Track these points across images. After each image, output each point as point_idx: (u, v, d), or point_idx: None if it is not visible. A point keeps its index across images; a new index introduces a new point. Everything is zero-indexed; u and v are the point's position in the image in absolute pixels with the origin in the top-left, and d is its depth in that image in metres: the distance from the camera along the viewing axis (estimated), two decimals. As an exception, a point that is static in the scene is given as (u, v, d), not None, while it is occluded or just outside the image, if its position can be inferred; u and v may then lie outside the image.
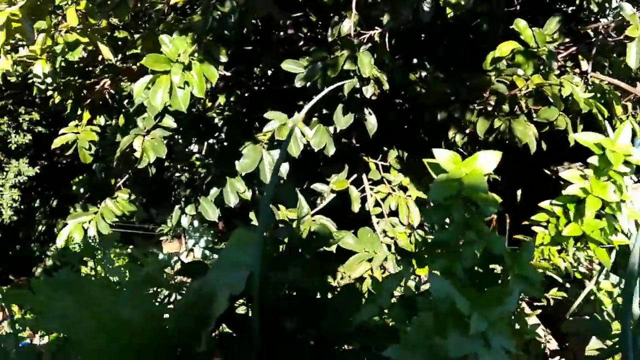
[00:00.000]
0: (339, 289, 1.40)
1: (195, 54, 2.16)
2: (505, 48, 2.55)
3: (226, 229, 7.10)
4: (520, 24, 2.59)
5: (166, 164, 3.68)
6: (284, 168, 2.88)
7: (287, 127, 2.67)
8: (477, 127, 2.41)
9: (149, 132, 2.47)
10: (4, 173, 4.66)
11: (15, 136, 4.65)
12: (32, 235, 8.50)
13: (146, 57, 2.07)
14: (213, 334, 1.26)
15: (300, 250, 1.43)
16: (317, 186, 3.15)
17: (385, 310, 1.13)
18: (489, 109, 2.47)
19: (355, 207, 3.05)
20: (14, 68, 2.37)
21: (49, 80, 2.31)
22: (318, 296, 1.37)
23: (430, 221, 0.97)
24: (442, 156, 0.96)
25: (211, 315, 1.16)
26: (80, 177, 3.67)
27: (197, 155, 3.65)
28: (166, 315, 1.25)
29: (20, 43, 2.56)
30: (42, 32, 2.11)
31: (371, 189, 3.15)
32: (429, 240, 1.04)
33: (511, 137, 2.35)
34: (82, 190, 3.62)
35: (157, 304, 1.22)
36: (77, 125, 3.36)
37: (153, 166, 2.44)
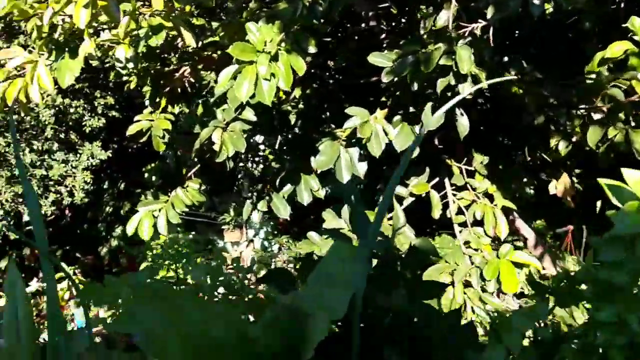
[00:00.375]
0: (443, 316, 1.23)
1: (283, 44, 2.03)
2: (617, 48, 2.28)
3: (287, 223, 7.03)
4: (636, 23, 2.32)
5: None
6: (362, 168, 2.72)
7: (369, 125, 2.50)
8: (587, 136, 2.16)
9: (229, 124, 2.36)
10: (78, 155, 4.72)
11: (90, 119, 4.70)
12: (99, 216, 8.71)
13: (233, 45, 1.95)
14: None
15: (399, 269, 1.27)
16: (396, 189, 2.97)
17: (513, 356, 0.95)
18: (599, 116, 2.22)
19: (436, 213, 2.85)
20: (95, 51, 2.31)
21: (130, 65, 2.24)
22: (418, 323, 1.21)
23: (605, 257, 0.78)
24: (634, 178, 0.76)
25: (308, 340, 1.01)
26: (152, 165, 3.64)
27: (262, 148, 3.55)
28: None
29: (101, 27, 2.51)
30: (126, 15, 2.03)
31: (454, 195, 2.94)
32: (591, 277, 0.85)
33: (627, 149, 2.09)
34: (153, 178, 3.58)
35: (246, 320, 1.08)
36: (151, 113, 3.32)
37: (231, 160, 2.34)
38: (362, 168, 2.72)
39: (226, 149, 2.28)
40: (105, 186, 7.40)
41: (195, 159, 2.78)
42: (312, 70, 3.71)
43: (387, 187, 0.99)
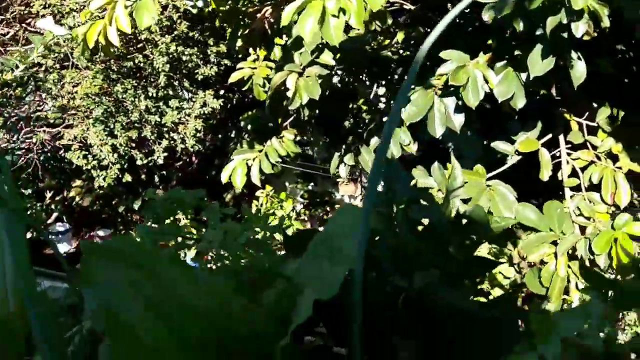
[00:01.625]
0: (489, 304, 0.98)
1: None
2: None
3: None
4: None
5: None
6: (458, 120, 2.42)
7: (466, 70, 2.19)
8: None
9: (305, 69, 2.18)
10: (191, 103, 4.82)
11: (203, 67, 4.75)
12: (223, 163, 9.08)
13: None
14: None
15: (441, 243, 1.03)
16: (499, 145, 2.62)
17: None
18: None
19: (545, 174, 2.48)
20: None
21: (199, 4, 2.13)
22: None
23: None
24: None
25: (290, 321, 0.83)
26: (249, 113, 3.58)
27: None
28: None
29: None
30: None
31: (568, 154, 2.54)
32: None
33: None
34: (249, 126, 3.53)
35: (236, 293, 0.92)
36: (254, 60, 3.24)
37: (307, 108, 2.17)
38: (458, 120, 2.42)
39: (299, 96, 2.11)
40: (221, 135, 7.63)
41: (283, 110, 2.64)
42: (424, 12, 3.38)
43: (391, 110, 0.76)
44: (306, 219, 7.75)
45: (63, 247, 6.46)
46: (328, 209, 8.06)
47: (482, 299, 1.02)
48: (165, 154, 4.71)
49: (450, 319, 0.88)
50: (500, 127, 2.98)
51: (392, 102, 2.77)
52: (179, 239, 1.15)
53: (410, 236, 1.02)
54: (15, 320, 1.01)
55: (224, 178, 3.46)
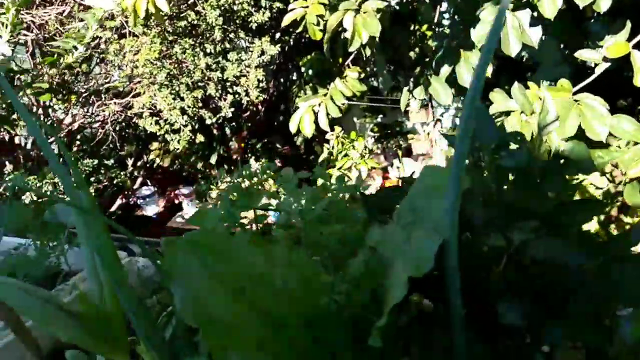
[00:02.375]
0: (598, 250, 0.87)
1: None
2: None
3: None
4: None
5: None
6: (535, 34, 2.21)
7: (538, -22, 1.97)
8: None
9: (361, 4, 2.04)
10: (249, 53, 4.75)
11: (255, 15, 4.63)
12: (289, 107, 9.04)
13: None
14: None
15: (537, 187, 0.92)
16: (584, 53, 2.39)
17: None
18: None
19: (639, 80, 2.24)
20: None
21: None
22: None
23: None
24: None
25: (384, 302, 0.78)
26: (309, 57, 3.47)
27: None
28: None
29: None
30: None
31: (665, 54, 2.27)
32: None
33: None
34: (310, 71, 3.43)
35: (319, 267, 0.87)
36: (305, -1, 3.11)
37: (368, 47, 2.04)
38: (534, 35, 2.22)
39: (359, 35, 1.99)
40: (282, 79, 7.57)
41: (343, 52, 2.52)
42: None
43: (482, 56, 0.65)
44: (379, 152, 7.64)
45: (152, 209, 6.75)
46: (401, 140, 7.88)
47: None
48: (232, 109, 4.71)
49: (557, 275, 0.79)
50: (582, 32, 2.71)
51: (457, 21, 2.57)
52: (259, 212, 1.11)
53: (502, 186, 0.92)
54: (110, 310, 1.01)
55: (292, 128, 3.41)
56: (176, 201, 7.48)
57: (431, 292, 0.84)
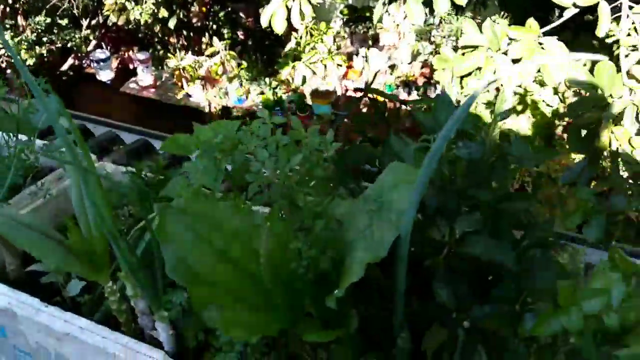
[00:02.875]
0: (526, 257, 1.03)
1: None
2: None
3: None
4: None
5: None
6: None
7: None
8: None
9: None
10: None
11: None
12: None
13: None
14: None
15: (483, 178, 1.06)
16: (556, -2, 2.44)
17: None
18: None
19: (601, 30, 2.34)
20: None
21: None
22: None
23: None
24: None
25: (342, 279, 0.93)
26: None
27: None
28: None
29: None
30: None
31: (630, 8, 2.36)
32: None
33: None
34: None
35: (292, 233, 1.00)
36: None
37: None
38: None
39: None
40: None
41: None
42: None
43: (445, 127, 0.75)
44: (346, 36, 7.52)
45: (106, 75, 6.58)
46: (369, 27, 7.72)
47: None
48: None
49: (487, 266, 0.96)
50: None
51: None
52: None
53: (456, 174, 1.05)
54: (97, 242, 1.13)
55: (263, 22, 3.37)
56: (131, 66, 7.27)
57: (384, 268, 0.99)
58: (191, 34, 7.51)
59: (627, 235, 2.00)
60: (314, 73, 4.60)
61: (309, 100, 4.95)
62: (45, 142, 1.73)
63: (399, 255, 0.90)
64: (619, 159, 2.25)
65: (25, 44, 3.84)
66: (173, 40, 7.31)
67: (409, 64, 7.54)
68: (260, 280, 0.96)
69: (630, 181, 2.17)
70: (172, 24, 6.85)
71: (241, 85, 5.17)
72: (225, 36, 7.92)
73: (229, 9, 8.56)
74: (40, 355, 1.32)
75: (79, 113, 3.29)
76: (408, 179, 0.92)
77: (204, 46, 7.98)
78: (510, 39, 2.38)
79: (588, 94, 2.31)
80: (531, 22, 2.40)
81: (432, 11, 2.62)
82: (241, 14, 9.41)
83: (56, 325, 1.23)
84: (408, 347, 0.96)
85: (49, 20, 4.38)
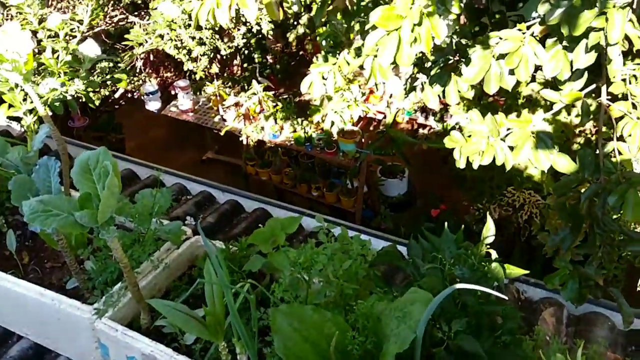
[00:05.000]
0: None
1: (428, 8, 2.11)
2: None
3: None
4: None
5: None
6: (511, 81, 2.80)
7: (518, 54, 2.55)
8: None
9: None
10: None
11: None
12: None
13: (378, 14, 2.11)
14: None
15: (472, 296, 1.65)
16: (548, 93, 3.00)
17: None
18: None
19: (584, 122, 2.90)
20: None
21: None
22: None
23: None
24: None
25: (380, 356, 1.53)
26: (323, 29, 3.94)
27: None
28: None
29: None
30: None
31: (608, 106, 2.92)
32: None
33: None
34: (324, 42, 3.92)
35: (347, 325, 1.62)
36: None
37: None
38: (511, 81, 2.81)
39: (374, 76, 2.57)
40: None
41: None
42: None
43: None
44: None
45: (154, 105, 7.25)
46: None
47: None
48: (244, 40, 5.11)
49: (471, 355, 1.56)
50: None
51: (456, 42, 3.12)
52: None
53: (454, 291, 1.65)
54: (219, 314, 1.74)
55: (303, 89, 3.97)
56: (172, 92, 7.94)
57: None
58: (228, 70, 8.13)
59: (596, 296, 2.57)
60: (342, 118, 5.20)
61: (335, 138, 5.58)
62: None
63: (415, 347, 1.52)
64: (595, 230, 2.82)
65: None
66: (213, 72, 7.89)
67: (422, 90, 8.05)
68: (327, 356, 1.58)
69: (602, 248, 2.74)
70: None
71: (276, 122, 5.79)
72: (256, 60, 8.57)
73: (260, 35, 9.19)
74: (169, 387, 1.95)
75: (150, 164, 3.93)
76: (422, 299, 1.53)
77: (235, 68, 8.64)
78: (508, 128, 2.96)
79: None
80: (525, 114, 2.97)
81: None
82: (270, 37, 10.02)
83: (183, 368, 1.86)
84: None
85: (111, 64, 5.02)
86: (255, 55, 8.50)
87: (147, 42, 2.92)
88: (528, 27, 2.65)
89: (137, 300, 2.03)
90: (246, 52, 8.14)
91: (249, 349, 1.74)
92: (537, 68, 2.95)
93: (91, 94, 3.09)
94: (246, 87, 7.53)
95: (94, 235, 2.34)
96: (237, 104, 5.83)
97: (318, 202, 6.02)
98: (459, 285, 1.45)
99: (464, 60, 2.94)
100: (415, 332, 1.49)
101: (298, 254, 1.70)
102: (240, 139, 6.10)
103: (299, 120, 5.63)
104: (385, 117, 6.86)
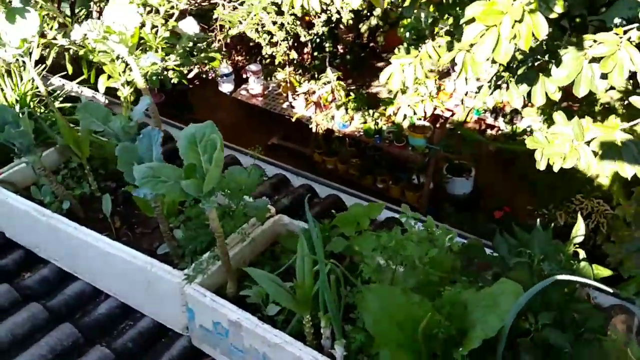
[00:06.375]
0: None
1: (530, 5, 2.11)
2: None
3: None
4: None
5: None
6: (602, 85, 2.76)
7: (614, 58, 2.50)
8: None
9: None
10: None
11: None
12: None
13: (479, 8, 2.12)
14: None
15: (559, 291, 1.67)
16: (636, 100, 2.94)
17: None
18: None
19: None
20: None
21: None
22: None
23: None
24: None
25: (466, 345, 1.57)
26: (407, 21, 3.95)
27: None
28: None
29: None
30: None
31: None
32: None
33: None
34: (407, 34, 3.93)
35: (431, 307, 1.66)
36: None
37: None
38: (601, 85, 2.76)
39: (465, 71, 2.58)
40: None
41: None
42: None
43: None
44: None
45: (227, 87, 7.45)
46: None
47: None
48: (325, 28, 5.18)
49: (558, 348, 1.59)
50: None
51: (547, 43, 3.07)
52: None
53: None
54: (308, 289, 1.81)
55: (382, 79, 4.00)
56: (244, 75, 8.12)
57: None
58: (296, 45, 8.25)
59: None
60: (415, 112, 5.21)
61: (405, 132, 5.59)
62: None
63: (501, 335, 1.55)
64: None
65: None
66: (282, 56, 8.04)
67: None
68: (413, 337, 1.63)
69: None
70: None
71: (346, 112, 5.85)
72: (327, 49, 8.64)
73: (332, 25, 9.24)
74: (251, 353, 2.04)
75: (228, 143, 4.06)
76: (511, 290, 1.56)
77: (305, 56, 8.74)
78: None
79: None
80: (612, 119, 2.92)
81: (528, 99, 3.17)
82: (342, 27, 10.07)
83: (268, 336, 1.95)
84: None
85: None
86: (327, 45, 8.58)
87: (241, 23, 3.03)
88: (625, 32, 2.60)
89: (226, 269, 2.13)
90: (317, 40, 8.22)
91: (335, 323, 1.81)
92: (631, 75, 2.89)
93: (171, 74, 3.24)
94: (316, 76, 7.64)
95: (185, 206, 2.48)
96: (308, 92, 5.92)
97: (382, 195, 6.06)
98: (560, 277, 1.47)
99: (553, 61, 2.90)
100: (503, 321, 1.52)
101: (389, 238, 1.76)
102: (310, 126, 6.19)
103: (371, 111, 5.67)
104: (453, 115, 6.81)
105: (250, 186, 2.24)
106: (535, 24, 2.13)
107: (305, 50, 8.49)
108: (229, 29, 3.78)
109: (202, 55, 2.83)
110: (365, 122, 5.71)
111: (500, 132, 7.76)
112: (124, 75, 2.72)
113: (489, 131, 7.83)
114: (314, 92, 5.96)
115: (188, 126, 1.89)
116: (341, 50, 9.25)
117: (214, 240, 2.30)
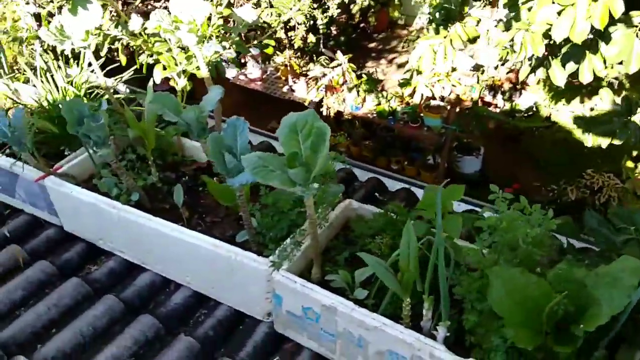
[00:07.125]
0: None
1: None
2: None
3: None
4: None
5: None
6: (653, 62, 2.81)
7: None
8: None
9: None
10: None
11: None
12: None
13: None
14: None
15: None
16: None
17: None
18: None
19: None
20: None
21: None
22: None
23: None
24: None
25: (590, 321, 1.62)
26: (436, 1, 3.96)
27: None
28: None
29: None
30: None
31: None
32: None
33: None
34: (437, 14, 3.94)
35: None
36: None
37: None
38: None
39: (525, 49, 2.61)
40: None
41: None
42: None
43: None
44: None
45: (231, 73, 7.34)
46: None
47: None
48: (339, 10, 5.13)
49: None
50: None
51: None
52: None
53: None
54: (412, 274, 1.83)
55: (412, 62, 4.01)
56: (242, 60, 8.03)
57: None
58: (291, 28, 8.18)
59: None
60: (432, 93, 5.23)
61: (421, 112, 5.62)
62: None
63: (625, 311, 1.60)
64: None
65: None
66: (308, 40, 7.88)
67: (495, 68, 8.02)
68: (533, 315, 1.67)
69: None
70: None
71: (358, 94, 5.85)
72: (321, 31, 8.59)
73: (327, 7, 9.18)
74: (345, 336, 2.06)
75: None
76: (633, 267, 1.61)
77: (299, 40, 8.68)
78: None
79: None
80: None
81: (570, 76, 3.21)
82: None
83: (367, 319, 1.97)
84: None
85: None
86: (321, 27, 8.52)
87: (291, 9, 3.00)
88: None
89: (315, 255, 2.14)
90: (311, 22, 8.17)
91: (445, 305, 1.83)
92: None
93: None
94: (314, 59, 7.59)
95: (260, 193, 2.47)
96: (317, 76, 5.90)
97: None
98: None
99: (601, 38, 2.95)
100: (629, 297, 1.57)
101: (499, 219, 1.79)
102: (320, 109, 6.18)
103: (384, 93, 5.69)
104: (450, 94, 6.88)
105: (332, 173, 2.24)
106: (611, 2, 2.17)
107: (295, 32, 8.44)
108: (279, 15, 3.71)
109: (255, 42, 2.79)
110: (379, 104, 5.73)
111: (498, 109, 7.87)
112: (180, 65, 2.67)
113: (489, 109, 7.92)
114: (324, 75, 5.94)
115: (289, 114, 1.88)
116: (335, 32, 9.21)
117: (293, 227, 2.31)
